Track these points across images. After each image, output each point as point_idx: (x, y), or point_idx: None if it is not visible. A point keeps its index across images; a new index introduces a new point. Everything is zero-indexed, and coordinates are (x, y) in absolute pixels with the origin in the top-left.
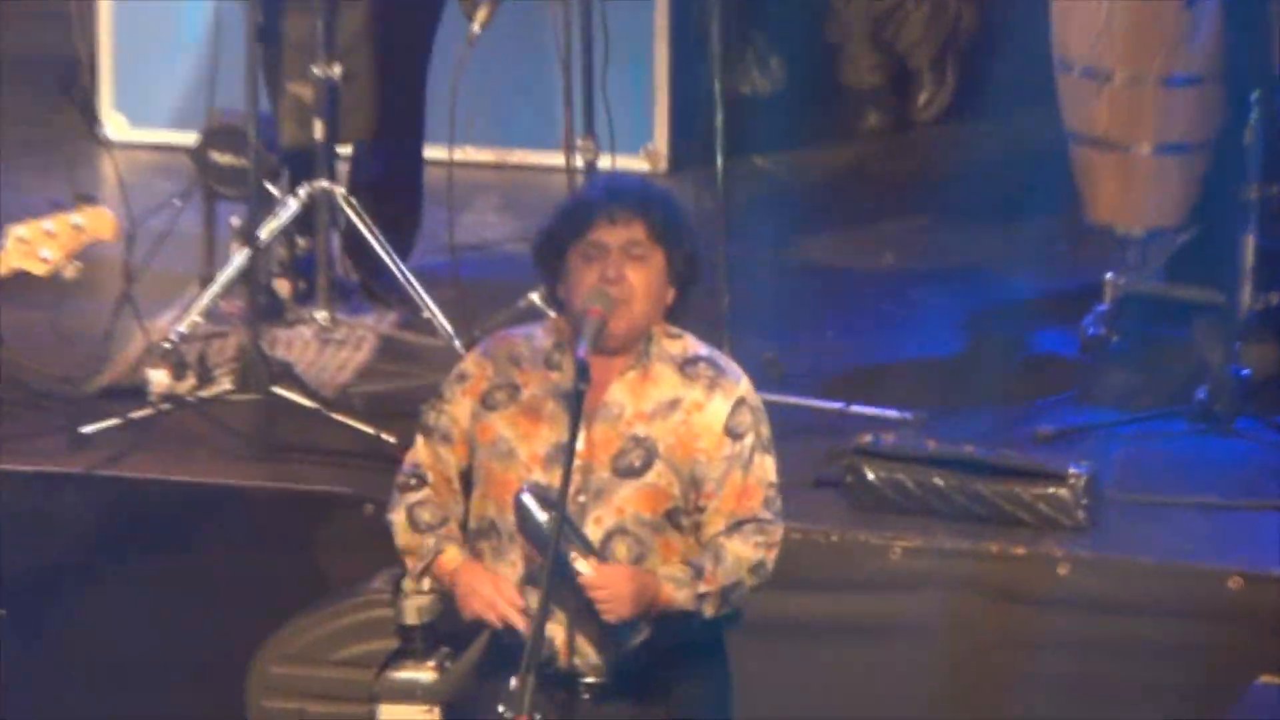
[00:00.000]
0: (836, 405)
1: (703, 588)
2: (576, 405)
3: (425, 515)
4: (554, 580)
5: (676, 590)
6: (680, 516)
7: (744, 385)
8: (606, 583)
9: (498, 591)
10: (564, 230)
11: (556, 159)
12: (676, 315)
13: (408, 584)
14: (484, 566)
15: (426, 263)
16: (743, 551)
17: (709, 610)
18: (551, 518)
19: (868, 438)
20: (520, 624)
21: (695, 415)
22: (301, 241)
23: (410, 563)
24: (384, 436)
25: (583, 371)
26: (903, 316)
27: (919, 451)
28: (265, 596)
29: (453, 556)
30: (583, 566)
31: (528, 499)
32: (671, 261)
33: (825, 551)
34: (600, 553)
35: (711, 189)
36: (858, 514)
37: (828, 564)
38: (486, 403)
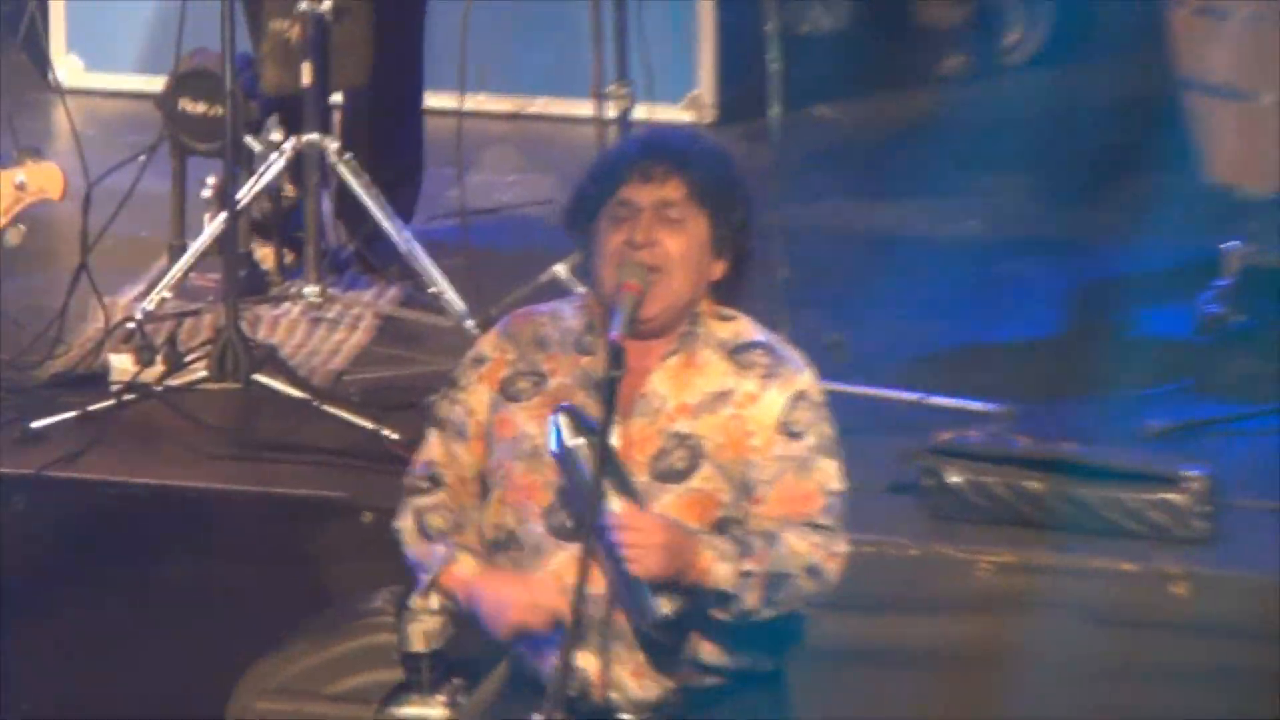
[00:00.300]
0: (912, 396)
1: (748, 565)
2: (609, 395)
3: (436, 521)
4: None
5: (717, 560)
6: (731, 528)
7: (806, 377)
8: (638, 525)
9: (532, 591)
10: (593, 189)
11: (584, 109)
12: (728, 293)
13: (415, 602)
14: (509, 571)
15: (433, 229)
16: (799, 546)
17: (750, 598)
18: (587, 442)
19: (949, 435)
20: (567, 614)
21: (748, 409)
22: (287, 203)
23: (420, 577)
24: (384, 432)
25: (616, 356)
26: (989, 292)
27: (1009, 450)
28: (247, 620)
29: (466, 565)
30: (615, 504)
31: (562, 418)
32: (716, 228)
33: (899, 567)
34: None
35: (765, 144)
36: (937, 524)
37: (902, 582)
38: (507, 392)
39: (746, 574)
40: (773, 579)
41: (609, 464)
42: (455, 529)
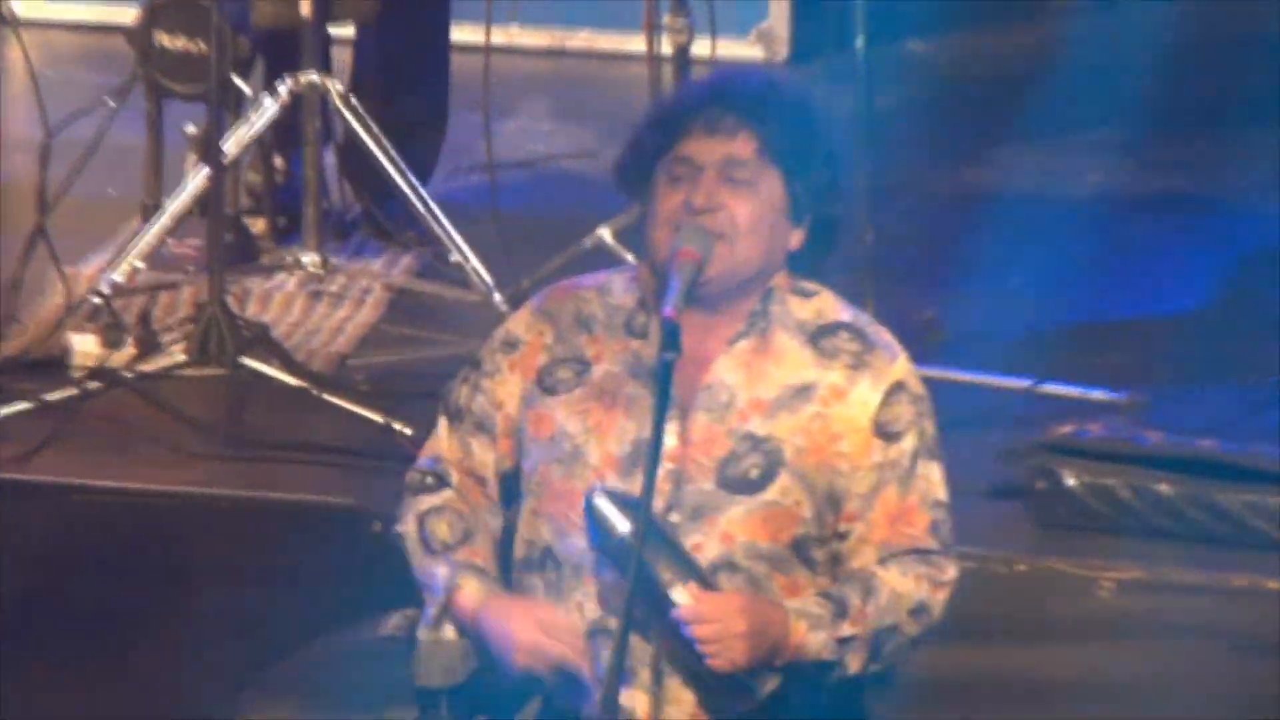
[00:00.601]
0: (1022, 382)
1: (847, 629)
2: (663, 384)
3: (441, 530)
4: (636, 615)
5: (811, 631)
6: (812, 547)
7: (901, 364)
8: (713, 614)
9: (541, 630)
10: (649, 142)
11: (634, 44)
12: (809, 266)
13: (423, 633)
14: (520, 600)
15: (455, 187)
16: (903, 586)
17: (854, 663)
18: (635, 527)
19: (1066, 429)
20: (584, 666)
21: (834, 406)
22: (281, 160)
23: (427, 600)
24: (396, 427)
25: (671, 336)
26: (1112, 260)
27: (1137, 448)
28: (236, 646)
29: (470, 592)
30: (679, 594)
31: (601, 502)
32: (794, 190)
33: (1007, 586)
34: (705, 582)
35: (847, 86)
36: (1052, 534)
37: (1011, 603)
38: (544, 382)
39: (846, 640)
40: (877, 635)
41: (660, 540)
42: (463, 539)
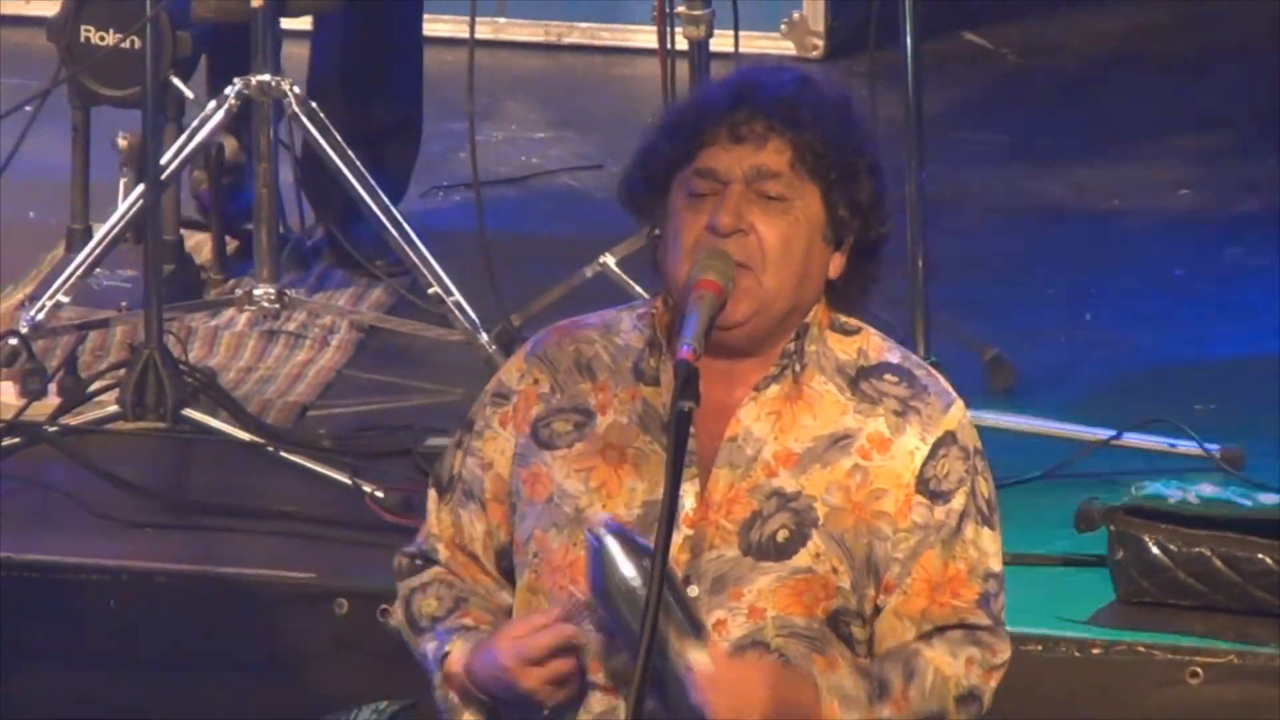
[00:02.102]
0: (1099, 434)
1: (887, 713)
2: (678, 437)
3: (429, 605)
4: (648, 678)
5: (845, 711)
6: (853, 622)
7: (955, 414)
8: (731, 684)
9: (516, 638)
10: (663, 152)
11: (644, 38)
12: (850, 297)
13: None
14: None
15: (434, 207)
16: (950, 669)
17: None
18: (644, 572)
19: (1150, 487)
20: (570, 633)
21: (876, 459)
22: (229, 178)
23: (439, 694)
24: (366, 488)
25: (687, 381)
26: (1208, 289)
27: (1236, 511)
28: None
29: (459, 655)
30: (695, 657)
31: (610, 543)
32: (834, 208)
33: (1080, 672)
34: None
35: (892, 87)
36: (1132, 612)
37: (1084, 693)
38: (539, 436)
39: None
40: None
41: (673, 598)
42: (453, 608)
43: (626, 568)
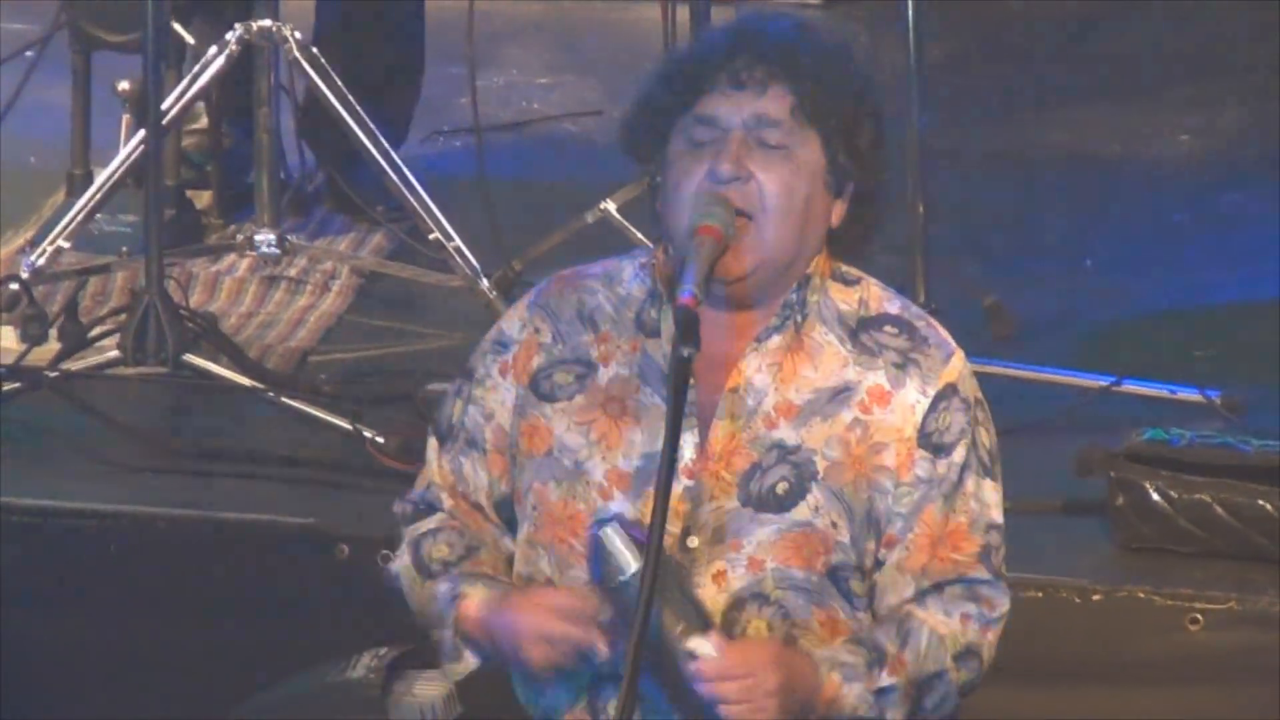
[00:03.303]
0: (1099, 381)
1: (885, 679)
2: (678, 384)
3: (440, 550)
4: (646, 665)
5: (846, 684)
6: (852, 577)
7: (956, 365)
8: (737, 669)
9: (547, 613)
10: (663, 98)
11: None
12: (851, 246)
13: (450, 670)
14: (527, 589)
15: (434, 153)
16: (945, 627)
17: (895, 716)
18: (643, 563)
19: (1150, 433)
20: (599, 645)
21: (876, 412)
22: (228, 141)
23: (435, 636)
24: (366, 434)
25: (688, 328)
26: (1205, 237)
27: (1235, 457)
28: (176, 691)
29: (476, 599)
30: (700, 645)
31: (612, 535)
32: (835, 155)
33: (1080, 619)
34: (724, 628)
35: (892, 34)
36: (1132, 558)
37: (1084, 640)
38: (539, 388)
39: (885, 690)
40: (919, 685)
41: (674, 584)
42: (466, 554)
43: (628, 560)
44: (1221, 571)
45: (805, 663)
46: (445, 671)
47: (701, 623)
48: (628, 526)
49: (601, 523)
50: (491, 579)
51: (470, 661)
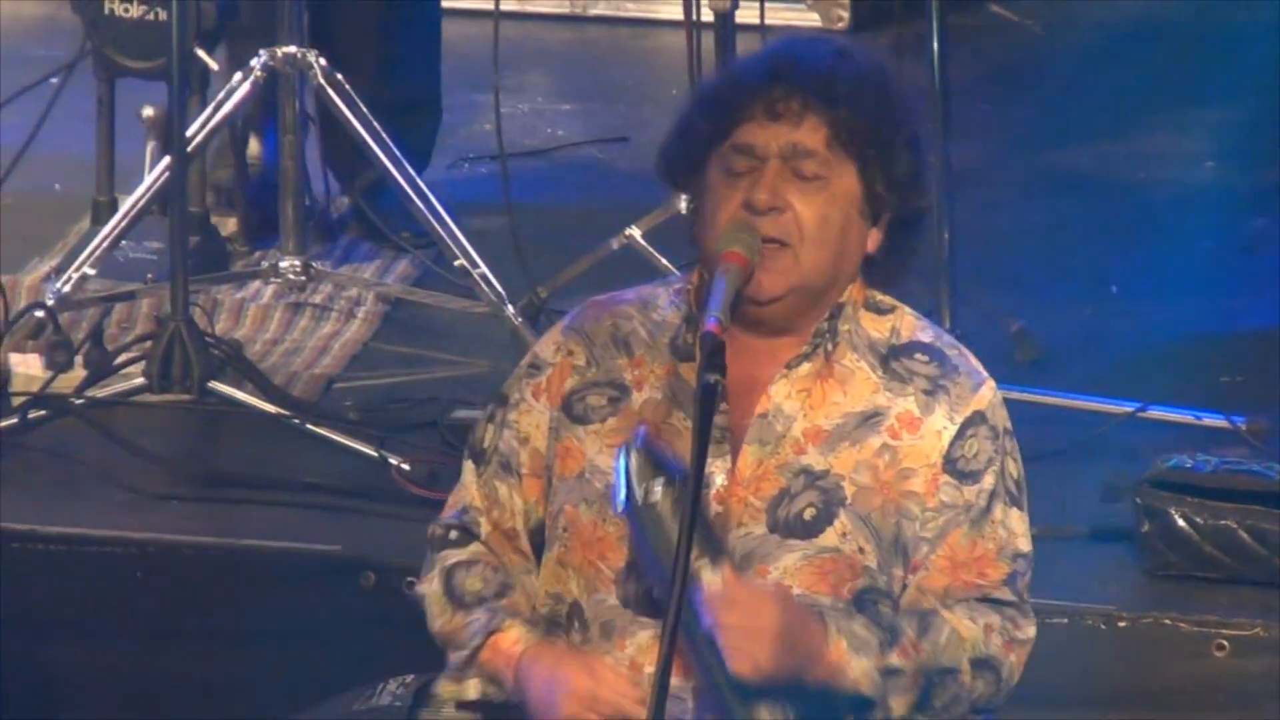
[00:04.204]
0: (1125, 406)
1: (894, 660)
2: (704, 410)
3: (473, 583)
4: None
5: (852, 653)
6: (880, 603)
7: (985, 394)
8: (742, 603)
9: (596, 679)
10: (700, 128)
11: (668, 9)
12: (884, 273)
13: (442, 688)
14: (571, 648)
15: (459, 179)
16: (967, 630)
17: (898, 705)
18: (667, 490)
19: (1175, 460)
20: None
21: (905, 438)
22: (255, 169)
23: (451, 656)
24: (392, 461)
25: (713, 355)
26: (1233, 261)
27: (1259, 483)
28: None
29: (514, 636)
30: (706, 577)
31: (635, 457)
32: (871, 184)
33: (1106, 645)
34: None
35: (918, 57)
36: (1158, 585)
37: (1110, 666)
38: (572, 410)
39: (892, 671)
40: (929, 678)
41: (697, 519)
42: (500, 592)
43: (649, 484)
44: (1247, 597)
45: (814, 621)
46: (436, 689)
47: (713, 552)
48: (652, 444)
49: (630, 446)
50: (529, 621)
51: (471, 687)
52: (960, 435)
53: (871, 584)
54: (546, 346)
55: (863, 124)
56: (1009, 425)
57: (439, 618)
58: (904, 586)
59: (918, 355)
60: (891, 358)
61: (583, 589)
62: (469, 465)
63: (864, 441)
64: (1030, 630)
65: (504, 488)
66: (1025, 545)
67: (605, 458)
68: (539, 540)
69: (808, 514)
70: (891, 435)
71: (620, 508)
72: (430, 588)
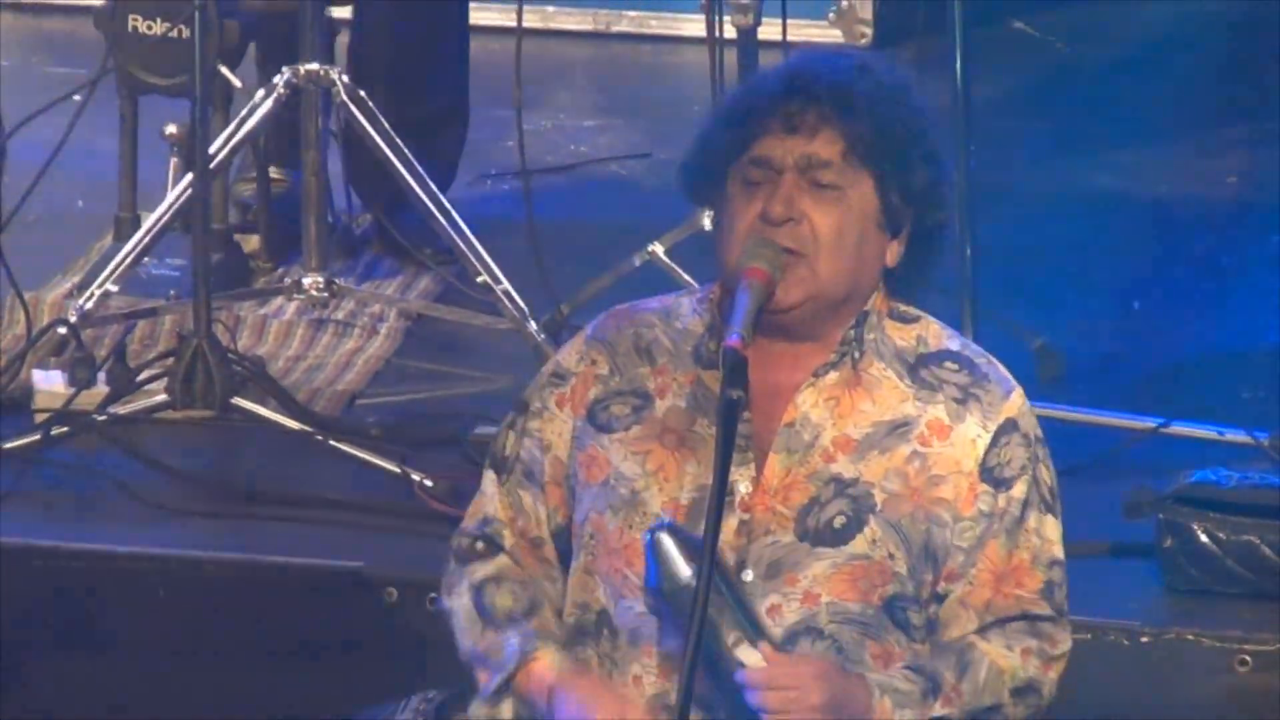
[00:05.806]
0: (1147, 422)
1: (938, 709)
2: (726, 427)
3: (503, 600)
4: (697, 678)
5: (897, 710)
6: (908, 609)
7: (1016, 400)
8: (786, 681)
9: (626, 711)
10: (719, 142)
11: (692, 26)
12: (908, 284)
13: (477, 710)
14: (604, 680)
15: (482, 196)
16: (1006, 661)
17: None
18: (695, 573)
19: (1198, 475)
20: None
21: (936, 445)
22: (279, 188)
23: (481, 677)
24: (415, 477)
25: (735, 369)
26: (1257, 277)
27: None
28: None
29: (548, 662)
30: (747, 654)
31: (666, 540)
32: (888, 195)
33: (1128, 661)
34: (779, 646)
35: (940, 73)
36: (1180, 601)
37: (1133, 682)
38: (596, 418)
39: None
40: (974, 718)
41: (728, 593)
42: (530, 610)
43: (681, 566)
44: (1270, 613)
45: (857, 684)
46: (473, 712)
47: (755, 633)
48: (680, 531)
49: (656, 528)
50: (561, 644)
51: (505, 712)
52: (995, 443)
53: (901, 590)
54: (570, 356)
55: (879, 137)
56: (1040, 433)
57: (469, 635)
58: (934, 593)
59: (947, 364)
60: (920, 366)
61: (610, 597)
62: (490, 475)
63: (894, 450)
64: (1066, 644)
65: (527, 496)
66: (1060, 553)
67: (629, 465)
68: (563, 545)
69: (838, 522)
70: (921, 442)
71: (652, 586)
72: (460, 603)
